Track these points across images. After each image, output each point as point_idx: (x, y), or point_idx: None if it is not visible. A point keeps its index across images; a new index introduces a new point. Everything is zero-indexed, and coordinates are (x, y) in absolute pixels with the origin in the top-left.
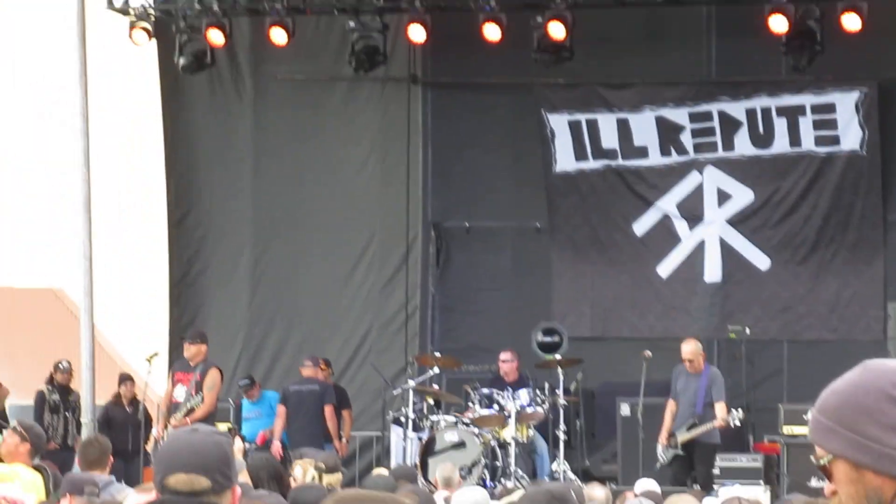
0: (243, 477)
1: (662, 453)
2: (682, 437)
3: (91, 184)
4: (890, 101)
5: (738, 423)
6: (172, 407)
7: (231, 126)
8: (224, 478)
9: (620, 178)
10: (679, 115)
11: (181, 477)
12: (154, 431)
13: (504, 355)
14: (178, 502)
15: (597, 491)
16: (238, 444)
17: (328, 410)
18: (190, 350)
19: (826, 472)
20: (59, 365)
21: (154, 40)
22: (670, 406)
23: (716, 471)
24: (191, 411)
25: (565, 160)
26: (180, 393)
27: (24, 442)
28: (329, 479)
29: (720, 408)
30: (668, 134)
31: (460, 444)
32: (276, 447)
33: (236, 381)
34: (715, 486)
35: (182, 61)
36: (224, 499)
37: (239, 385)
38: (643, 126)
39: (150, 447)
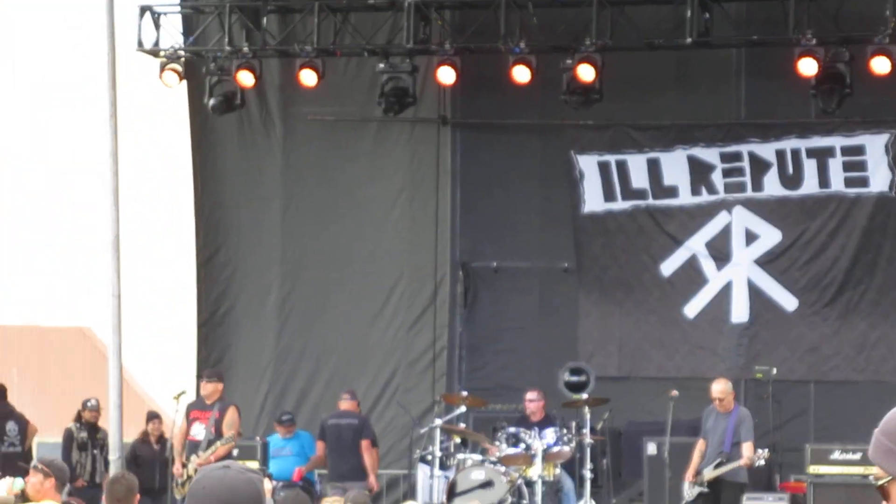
0: None
1: (688, 490)
2: (709, 475)
3: (120, 223)
4: None
5: (762, 462)
6: (190, 445)
7: (260, 165)
8: None
9: (650, 217)
10: (710, 155)
11: None
12: (174, 469)
13: (530, 395)
14: None
15: None
16: (267, 485)
17: (365, 444)
18: (207, 388)
19: (884, 493)
20: (88, 403)
21: (184, 81)
22: (699, 445)
23: None
24: (213, 449)
25: (594, 201)
26: (199, 431)
27: (49, 478)
28: None
29: (747, 447)
30: (698, 173)
31: (487, 484)
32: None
33: (264, 418)
34: None
35: (212, 102)
36: None
37: (280, 420)
38: (674, 165)
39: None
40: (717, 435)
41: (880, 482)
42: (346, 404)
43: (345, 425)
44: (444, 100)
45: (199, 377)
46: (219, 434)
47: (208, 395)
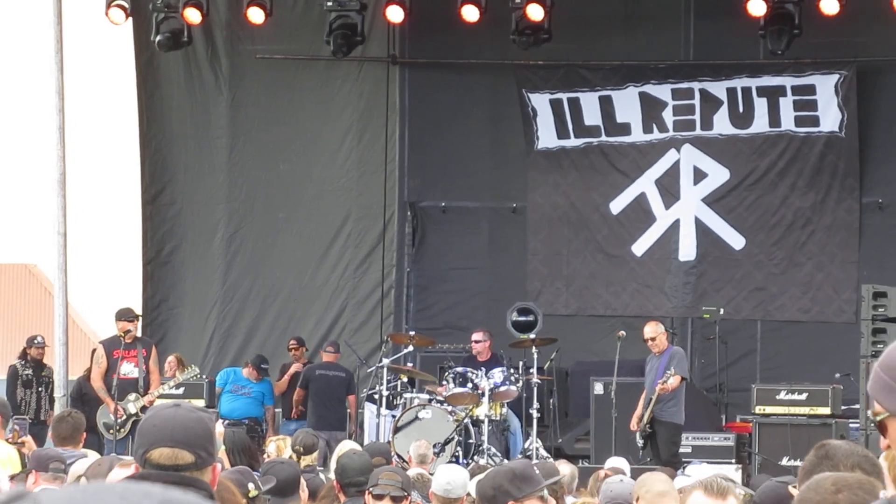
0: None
1: (640, 439)
2: (647, 416)
3: (66, 161)
4: (868, 84)
5: (671, 381)
6: (123, 384)
7: (206, 104)
8: (207, 454)
9: (603, 154)
10: (662, 92)
11: (164, 451)
12: (111, 410)
13: (476, 335)
14: (159, 476)
15: (563, 468)
16: (219, 427)
17: (351, 399)
18: (126, 327)
19: (881, 428)
20: (35, 340)
21: (131, 18)
22: (643, 395)
23: (688, 449)
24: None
25: (547, 138)
26: (130, 370)
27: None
28: (307, 459)
29: (675, 380)
30: (650, 111)
31: (434, 422)
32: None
33: (210, 357)
34: (684, 464)
35: (159, 39)
36: (205, 475)
37: (259, 366)
38: (626, 103)
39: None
40: (651, 376)
41: (878, 418)
42: (329, 356)
43: (332, 377)
44: (393, 38)
45: (146, 314)
46: (148, 371)
47: (127, 334)
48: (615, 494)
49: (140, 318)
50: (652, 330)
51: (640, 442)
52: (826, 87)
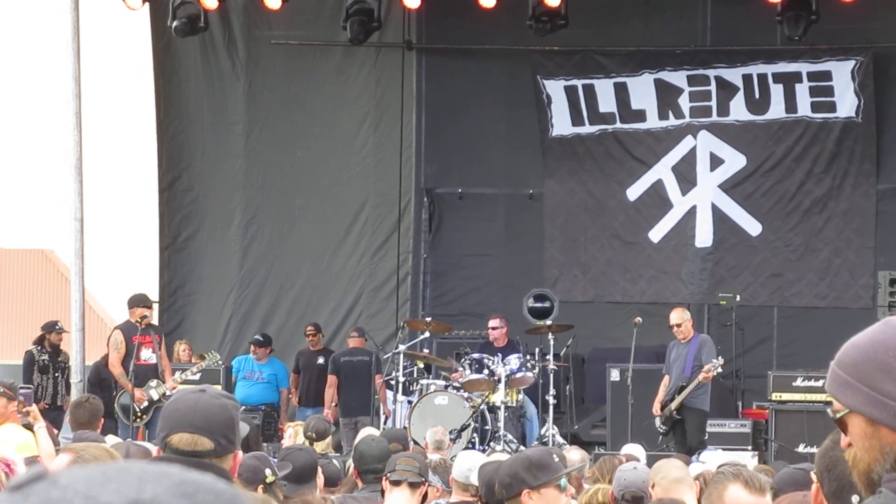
0: None
1: (661, 425)
2: (675, 403)
3: (83, 146)
4: (885, 70)
5: (719, 370)
6: (144, 370)
7: (223, 90)
8: (227, 441)
9: (618, 141)
10: (677, 78)
11: (184, 437)
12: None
13: (493, 321)
14: (178, 461)
15: (573, 454)
16: None
17: (379, 380)
18: (143, 313)
19: (842, 426)
20: (55, 326)
21: (147, 4)
22: (664, 381)
23: (704, 436)
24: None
25: (562, 125)
26: (149, 355)
27: (12, 401)
28: (320, 445)
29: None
30: (665, 97)
31: (450, 409)
32: (334, 412)
33: (227, 343)
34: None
35: (175, 24)
36: (225, 462)
37: (256, 339)
38: (641, 89)
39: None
40: (679, 363)
41: (838, 415)
42: (355, 342)
43: (357, 362)
44: (410, 24)
45: (162, 300)
46: (161, 358)
47: (140, 321)
48: (629, 483)
49: (154, 305)
50: (678, 316)
51: (661, 428)
52: (842, 73)
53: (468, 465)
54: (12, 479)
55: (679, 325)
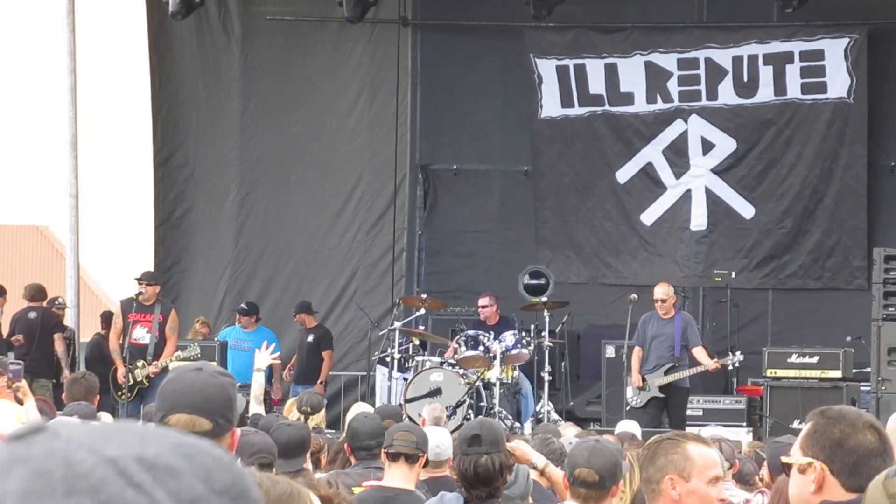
0: None
1: (634, 397)
2: (661, 380)
3: (78, 123)
4: (879, 48)
5: (736, 366)
6: (134, 349)
7: (218, 66)
8: (225, 420)
9: (606, 123)
10: (668, 61)
11: (182, 417)
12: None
13: (482, 300)
14: None
15: (568, 430)
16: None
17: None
18: (147, 291)
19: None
20: (56, 301)
21: None
22: (637, 352)
23: (699, 412)
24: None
25: (551, 106)
26: (142, 335)
27: (2, 376)
28: (315, 419)
29: (700, 351)
30: (655, 80)
31: (445, 385)
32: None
33: (222, 320)
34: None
35: (171, 10)
36: (223, 441)
37: (241, 309)
38: (631, 71)
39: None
40: (664, 340)
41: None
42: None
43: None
44: (405, 0)
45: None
46: (162, 336)
47: (147, 298)
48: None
49: (159, 282)
50: (664, 292)
51: (634, 400)
52: (835, 51)
53: (436, 442)
54: (12, 431)
55: (664, 301)
